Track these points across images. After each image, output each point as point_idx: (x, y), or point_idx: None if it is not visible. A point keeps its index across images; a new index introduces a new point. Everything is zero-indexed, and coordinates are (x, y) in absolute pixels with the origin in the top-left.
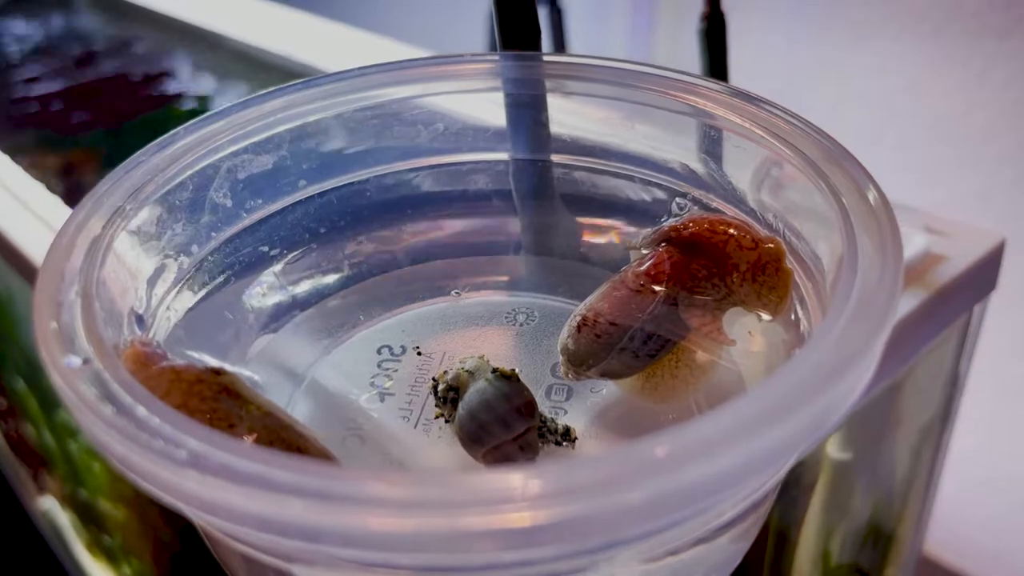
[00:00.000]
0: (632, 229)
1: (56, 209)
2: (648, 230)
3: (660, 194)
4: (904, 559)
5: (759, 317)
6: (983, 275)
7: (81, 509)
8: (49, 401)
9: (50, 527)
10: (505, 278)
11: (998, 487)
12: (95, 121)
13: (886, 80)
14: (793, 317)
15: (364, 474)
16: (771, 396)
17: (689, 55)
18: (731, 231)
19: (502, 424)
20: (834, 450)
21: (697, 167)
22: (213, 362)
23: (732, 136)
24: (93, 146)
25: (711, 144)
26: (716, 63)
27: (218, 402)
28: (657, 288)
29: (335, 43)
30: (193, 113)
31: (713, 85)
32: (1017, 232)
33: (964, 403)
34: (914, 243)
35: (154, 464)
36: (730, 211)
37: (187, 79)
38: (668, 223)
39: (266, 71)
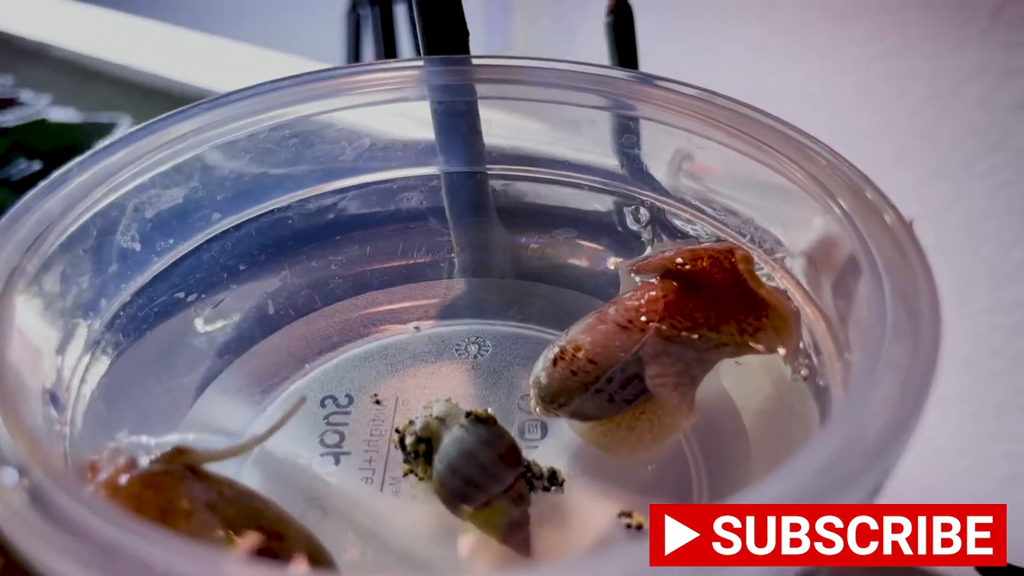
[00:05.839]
0: (584, 244)
1: None
2: (647, 253)
3: (609, 201)
4: None
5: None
6: None
7: None
8: None
9: None
10: (447, 304)
11: (953, 475)
12: None
13: (753, 66)
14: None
15: None
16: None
17: (547, 48)
18: (737, 264)
19: (489, 476)
20: None
21: (656, 172)
22: (147, 440)
23: (694, 137)
24: None
25: (652, 145)
26: (625, 56)
27: (192, 501)
28: (646, 327)
29: (183, 50)
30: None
31: (664, 84)
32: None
33: None
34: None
35: None
36: (691, 215)
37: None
38: (667, 252)
39: (106, 83)
